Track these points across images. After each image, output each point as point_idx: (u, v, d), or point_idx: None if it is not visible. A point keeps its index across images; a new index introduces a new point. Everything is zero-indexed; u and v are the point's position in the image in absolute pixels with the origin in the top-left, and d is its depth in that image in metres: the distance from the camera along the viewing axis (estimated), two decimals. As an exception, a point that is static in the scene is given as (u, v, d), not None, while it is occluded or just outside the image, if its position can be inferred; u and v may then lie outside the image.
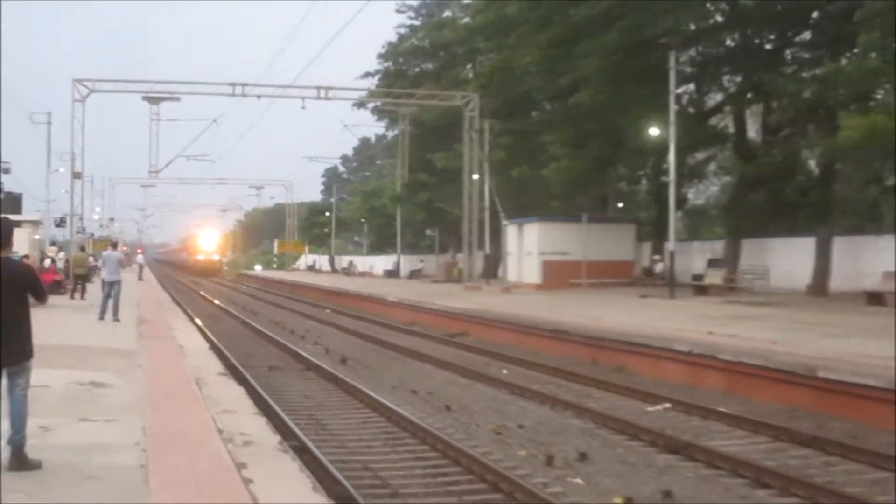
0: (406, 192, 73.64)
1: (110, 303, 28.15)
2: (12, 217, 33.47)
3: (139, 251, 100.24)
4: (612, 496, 11.44)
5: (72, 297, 38.11)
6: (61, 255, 46.24)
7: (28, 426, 9.16)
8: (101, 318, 27.77)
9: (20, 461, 8.91)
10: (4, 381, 8.93)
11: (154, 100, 53.22)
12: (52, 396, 13.27)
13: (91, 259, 44.12)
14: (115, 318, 27.79)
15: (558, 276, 49.50)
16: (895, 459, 7.47)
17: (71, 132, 49.26)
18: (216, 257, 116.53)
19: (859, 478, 12.29)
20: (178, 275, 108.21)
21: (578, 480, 12.31)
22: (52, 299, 30.43)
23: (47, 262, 41.93)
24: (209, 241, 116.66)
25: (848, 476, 12.33)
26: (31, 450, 9.18)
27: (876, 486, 11.79)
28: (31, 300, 9.27)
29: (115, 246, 36.04)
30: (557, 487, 11.76)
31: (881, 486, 11.89)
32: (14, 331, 8.80)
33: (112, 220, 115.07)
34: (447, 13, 76.81)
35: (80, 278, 39.73)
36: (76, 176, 50.05)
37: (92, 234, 62.50)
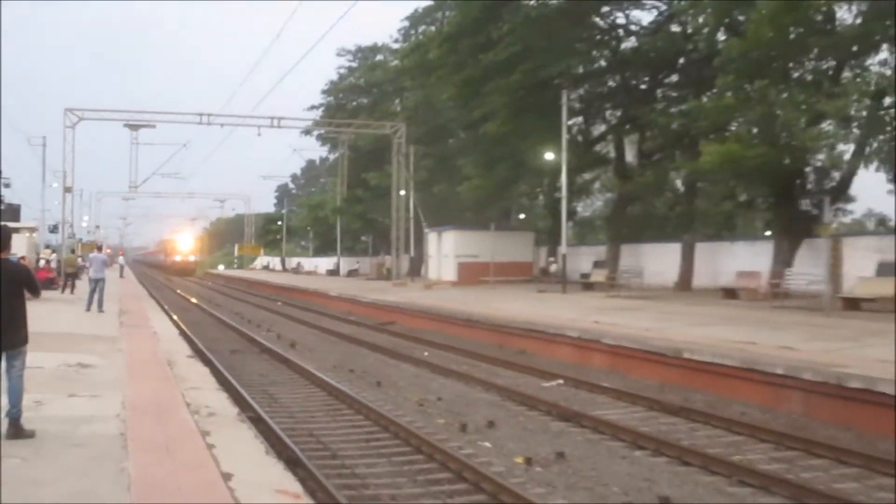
0: (344, 205, 73.69)
1: (96, 296, 27.94)
2: (11, 224, 33.07)
3: (121, 253, 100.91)
4: (514, 456, 11.60)
5: (63, 291, 37.92)
6: (54, 256, 46.27)
7: (23, 401, 9.26)
8: (88, 309, 27.52)
9: (17, 431, 9.02)
10: (3, 363, 9.06)
11: (134, 126, 53.87)
12: (44, 376, 13.15)
13: (80, 260, 43.80)
14: (100, 309, 27.57)
15: (470, 274, 49.73)
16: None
17: (63, 153, 49.73)
18: (192, 258, 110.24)
19: (718, 440, 12.59)
20: (154, 273, 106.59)
21: (487, 444, 12.46)
22: (46, 294, 30.09)
23: (42, 262, 42.01)
24: (185, 244, 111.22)
25: (709, 439, 12.62)
26: (26, 421, 9.25)
27: (731, 448, 12.08)
28: (27, 294, 9.32)
29: (100, 249, 35.75)
30: (470, 450, 11.87)
31: (736, 447, 12.18)
32: (12, 320, 8.97)
33: (98, 227, 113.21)
34: (379, 57, 76.81)
35: (70, 276, 39.68)
36: (67, 190, 50.34)
37: (81, 239, 61.83)
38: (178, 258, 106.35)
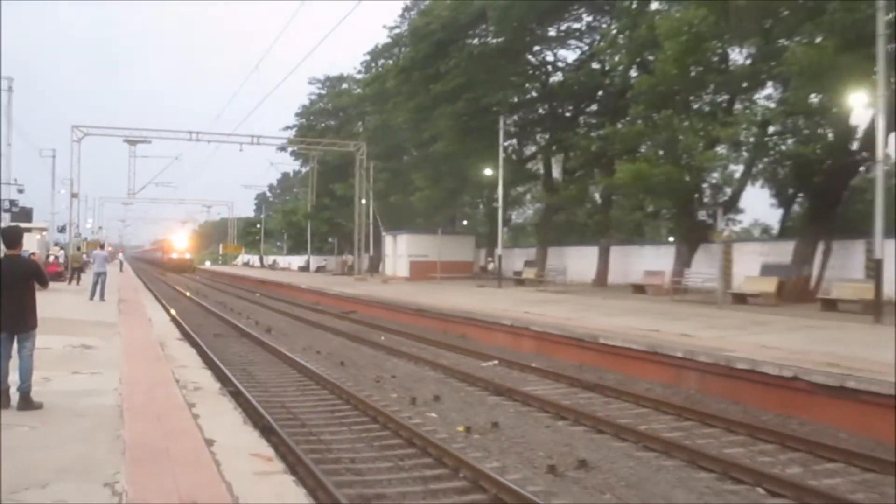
0: (314, 211, 73.61)
1: (98, 287, 27.67)
2: (24, 225, 32.72)
3: (120, 251, 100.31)
4: (456, 425, 11.65)
5: (69, 283, 37.47)
6: (62, 252, 45.89)
7: (33, 377, 9.23)
8: (91, 298, 27.21)
9: (27, 403, 9.03)
10: (16, 345, 9.12)
11: (132, 141, 53.50)
12: (52, 355, 13.00)
13: (84, 256, 43.23)
14: (102, 298, 27.26)
15: (421, 271, 49.80)
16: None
17: (70, 164, 49.63)
18: (188, 256, 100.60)
19: (627, 412, 12.73)
20: (150, 269, 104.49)
21: (433, 415, 12.48)
22: (54, 285, 29.96)
23: (51, 258, 41.74)
24: (182, 242, 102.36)
25: (620, 411, 12.75)
26: (35, 395, 9.22)
27: (638, 418, 12.21)
28: (37, 285, 9.31)
29: (102, 247, 35.89)
30: (418, 420, 11.89)
31: (642, 418, 12.31)
32: (23, 307, 9.09)
33: (100, 227, 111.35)
34: (344, 85, 76.78)
35: (76, 270, 39.42)
36: (74, 196, 50.00)
37: (85, 238, 61.16)
38: (174, 255, 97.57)
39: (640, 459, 9.90)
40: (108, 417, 8.86)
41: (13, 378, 9.05)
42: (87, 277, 35.17)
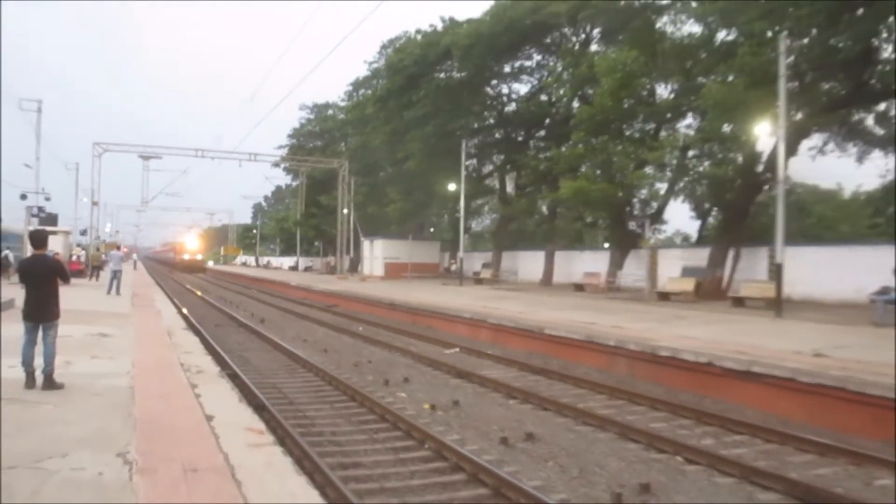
0: (303, 219, 73.32)
1: (115, 283, 27.38)
2: (49, 228, 32.29)
3: (135, 252, 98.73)
4: (423, 403, 11.64)
5: (90, 279, 36.92)
6: (83, 252, 45.40)
7: (56, 361, 9.10)
8: (108, 293, 26.83)
9: (50, 384, 8.91)
10: (41, 333, 8.99)
11: (145, 157, 53.10)
12: (73, 342, 12.78)
13: (103, 256, 42.69)
14: (118, 293, 26.86)
15: (394, 271, 49.73)
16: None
17: (91, 175, 49.10)
18: (199, 256, 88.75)
19: (568, 393, 12.79)
20: (162, 269, 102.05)
21: (403, 394, 12.46)
22: (76, 281, 29.50)
23: (74, 257, 41.25)
24: (194, 244, 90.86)
25: (562, 392, 12.80)
26: (58, 376, 9.09)
27: (578, 399, 12.26)
28: (59, 281, 9.22)
29: (118, 248, 35.53)
30: (390, 399, 11.85)
31: (580, 397, 12.38)
32: (47, 300, 9.01)
33: (117, 231, 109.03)
34: (330, 111, 76.55)
35: (95, 268, 38.91)
36: (94, 204, 49.52)
37: (104, 241, 60.33)
38: (186, 256, 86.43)
39: (578, 432, 9.96)
40: (122, 397, 8.73)
41: (38, 362, 8.90)
42: (105, 274, 34.71)
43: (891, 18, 22.16)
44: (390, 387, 13.10)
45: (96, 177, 49.38)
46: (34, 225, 31.81)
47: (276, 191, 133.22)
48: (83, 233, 53.87)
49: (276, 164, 74.13)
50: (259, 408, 10.08)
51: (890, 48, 24.03)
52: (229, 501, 5.21)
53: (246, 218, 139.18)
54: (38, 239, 9.48)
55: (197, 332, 18.36)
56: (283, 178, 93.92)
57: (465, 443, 9.17)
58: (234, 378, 12.10)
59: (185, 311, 25.55)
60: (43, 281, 8.99)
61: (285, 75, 32.96)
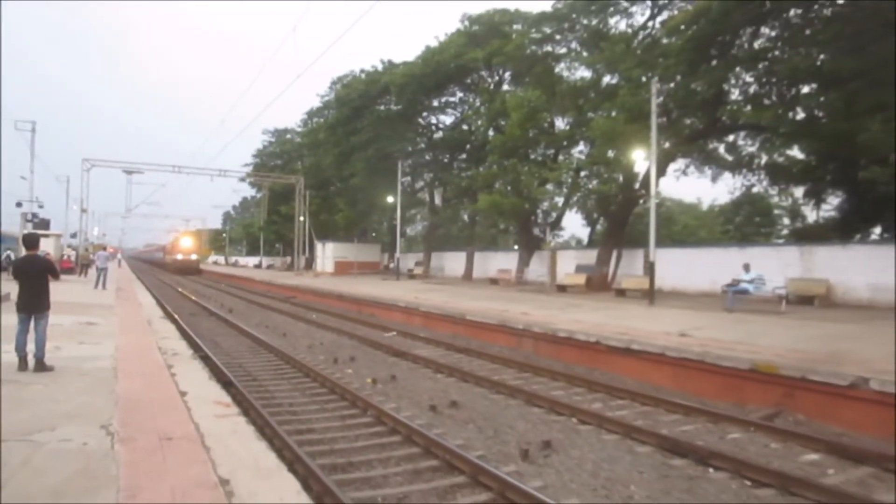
0: (266, 225, 71.73)
1: (101, 279, 26.20)
2: (42, 231, 30.73)
3: (119, 251, 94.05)
4: (366, 378, 11.51)
5: (79, 276, 35.29)
6: (73, 252, 43.30)
7: (46, 347, 8.69)
8: (95, 287, 25.57)
9: (41, 366, 8.51)
10: (33, 322, 8.60)
11: (128, 172, 50.69)
12: (62, 330, 12.16)
13: (91, 256, 40.88)
14: (104, 287, 25.65)
15: (342, 268, 49.28)
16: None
17: (80, 187, 46.89)
18: (193, 257, 66.21)
19: (484, 367, 12.80)
20: (148, 269, 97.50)
21: (350, 371, 12.29)
22: (66, 277, 28.40)
23: (65, 256, 39.33)
24: (188, 243, 67.29)
25: (479, 367, 12.80)
26: (48, 360, 8.67)
27: (492, 372, 12.31)
28: (50, 278, 8.81)
29: (104, 248, 34.04)
30: (339, 375, 11.67)
31: (495, 371, 12.42)
32: (38, 294, 8.64)
33: (104, 234, 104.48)
34: (288, 136, 75.25)
35: (84, 266, 37.18)
36: (83, 211, 47.16)
37: (92, 242, 57.66)
38: (179, 257, 64.60)
39: (493, 400, 9.98)
40: (106, 376, 8.35)
41: (30, 347, 8.48)
42: (93, 272, 33.34)
43: (737, 68, 23.04)
44: (339, 364, 12.90)
45: (85, 188, 47.22)
46: (28, 229, 30.26)
47: (242, 201, 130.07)
48: (73, 236, 51.57)
49: (243, 179, 72.34)
50: (227, 384, 9.79)
51: (736, 92, 25.00)
52: (199, 464, 5.02)
53: (217, 224, 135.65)
54: (30, 241, 9.05)
55: (173, 321, 17.74)
56: (248, 191, 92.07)
57: (401, 410, 9.08)
58: (205, 359, 11.72)
59: (163, 302, 24.68)
60: (35, 277, 8.57)
61: (250, 104, 32.24)
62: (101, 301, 20.40)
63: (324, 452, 7.20)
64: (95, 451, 5.27)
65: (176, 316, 19.81)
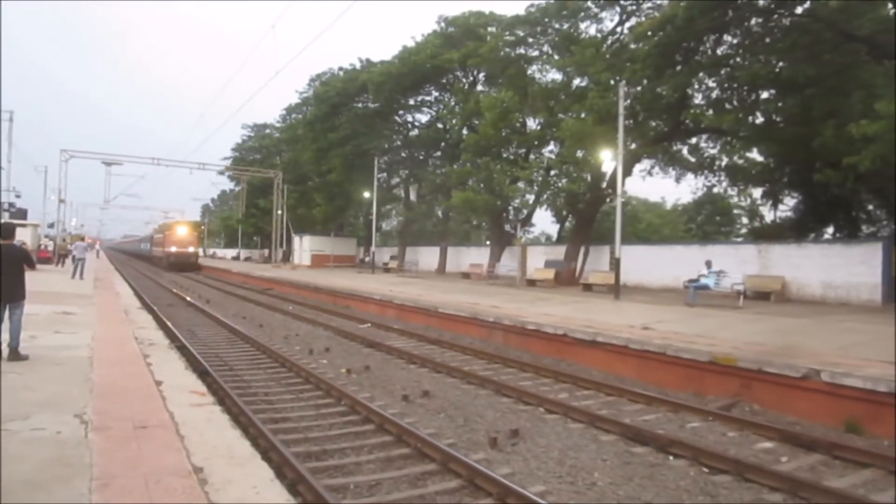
0: (244, 218, 70.75)
1: (79, 269, 25.63)
2: (19, 221, 30.02)
3: (98, 242, 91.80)
4: (341, 368, 11.43)
5: (56, 265, 34.48)
6: (51, 242, 42.25)
7: (21, 336, 8.42)
8: (73, 277, 25.01)
9: (16, 355, 8.26)
10: (7, 312, 8.32)
11: (107, 163, 49.29)
12: (39, 319, 11.84)
13: (69, 246, 39.97)
14: (81, 277, 25.07)
15: (319, 261, 48.85)
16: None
17: (59, 178, 45.53)
18: (191, 250, 52.77)
19: (456, 358, 12.79)
20: (122, 258, 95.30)
21: (325, 361, 12.19)
22: (43, 267, 27.71)
23: (43, 246, 38.28)
24: (184, 232, 53.31)
25: (451, 358, 12.79)
26: (23, 349, 8.41)
27: (464, 363, 12.29)
28: (26, 267, 8.57)
29: (82, 239, 33.36)
30: (314, 365, 11.57)
31: (466, 362, 12.40)
32: (14, 283, 8.34)
33: (82, 225, 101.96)
34: (267, 130, 74.42)
35: (61, 256, 36.31)
36: (61, 201, 45.91)
37: (70, 233, 56.21)
38: (173, 249, 51.29)
39: (464, 390, 9.98)
40: (81, 365, 8.14)
41: (4, 337, 8.22)
42: (71, 262, 32.72)
43: (701, 74, 23.29)
44: (314, 355, 12.79)
45: (63, 178, 46.00)
46: (5, 219, 29.51)
47: (221, 194, 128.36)
48: (51, 226, 50.34)
49: (222, 173, 71.39)
50: (203, 374, 9.64)
51: (700, 96, 25.30)
52: (174, 452, 4.93)
53: (196, 216, 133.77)
54: (7, 231, 8.73)
55: (151, 311, 17.47)
56: (227, 184, 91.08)
57: (374, 399, 9.03)
58: (182, 349, 11.56)
59: (141, 293, 24.26)
60: (10, 267, 8.27)
61: (230, 99, 31.76)
62: (78, 291, 19.94)
63: (298, 441, 7.12)
64: (69, 439, 5.13)
65: (153, 306, 19.50)
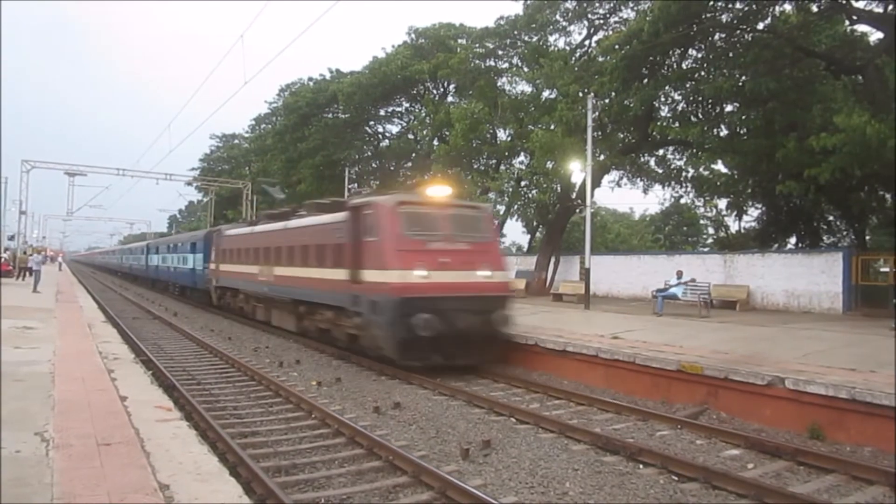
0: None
1: (36, 281, 25.02)
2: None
3: (61, 254, 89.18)
4: (311, 381, 11.32)
5: (17, 279, 33.48)
6: (11, 255, 41.08)
7: None
8: (34, 290, 24.29)
9: None
10: None
11: (71, 174, 48.05)
12: (-4, 335, 11.51)
13: (29, 259, 38.95)
14: (36, 290, 24.27)
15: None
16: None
17: (19, 189, 44.41)
18: None
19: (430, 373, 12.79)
20: (83, 269, 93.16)
21: (295, 374, 12.06)
22: (5, 280, 26.77)
23: (4, 259, 37.16)
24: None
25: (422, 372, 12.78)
26: None
27: (435, 374, 12.30)
28: None
29: (39, 252, 32.36)
30: (284, 378, 11.43)
31: (439, 374, 12.42)
32: None
33: (44, 237, 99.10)
34: (236, 140, 73.67)
35: (22, 269, 35.20)
36: (22, 213, 44.80)
37: (31, 245, 54.66)
38: None
39: (435, 401, 9.94)
40: (42, 381, 7.90)
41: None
42: (29, 275, 31.87)
43: (667, 87, 23.73)
44: (284, 367, 12.65)
45: (24, 189, 44.84)
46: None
47: (188, 205, 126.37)
48: (11, 238, 48.99)
49: (189, 184, 70.40)
50: (170, 388, 9.47)
51: (666, 109, 25.76)
52: (138, 469, 4.81)
53: (162, 228, 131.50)
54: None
55: (115, 325, 17.09)
56: (195, 195, 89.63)
57: (345, 412, 8.96)
58: (147, 363, 11.33)
59: (105, 305, 23.72)
60: None
61: (198, 106, 31.27)
62: (39, 305, 19.40)
63: (267, 455, 7.02)
64: (29, 458, 4.98)
65: (118, 320, 19.10)
